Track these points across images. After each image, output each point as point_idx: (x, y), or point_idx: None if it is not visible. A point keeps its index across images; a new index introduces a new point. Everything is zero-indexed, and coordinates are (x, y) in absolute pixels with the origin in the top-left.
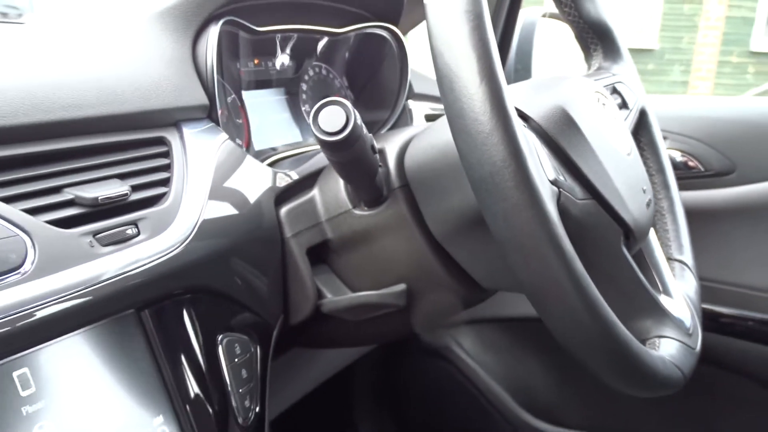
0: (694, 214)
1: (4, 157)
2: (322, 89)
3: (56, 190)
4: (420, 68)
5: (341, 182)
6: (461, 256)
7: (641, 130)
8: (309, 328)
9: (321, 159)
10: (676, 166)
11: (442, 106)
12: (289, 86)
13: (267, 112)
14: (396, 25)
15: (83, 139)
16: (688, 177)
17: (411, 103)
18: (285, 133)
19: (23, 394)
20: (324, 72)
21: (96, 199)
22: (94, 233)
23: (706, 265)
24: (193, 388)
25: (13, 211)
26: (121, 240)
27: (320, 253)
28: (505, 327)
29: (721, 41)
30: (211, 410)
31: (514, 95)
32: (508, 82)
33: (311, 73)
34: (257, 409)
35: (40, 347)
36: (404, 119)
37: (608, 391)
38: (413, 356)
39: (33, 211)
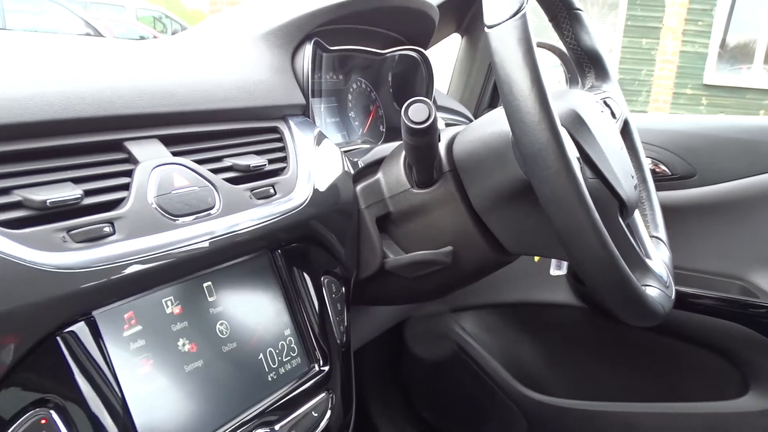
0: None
1: (192, 132)
2: (362, 100)
3: (219, 159)
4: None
5: (402, 167)
6: (495, 227)
7: (625, 135)
8: (372, 284)
9: (378, 151)
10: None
11: (457, 117)
12: (338, 96)
13: (323, 116)
14: (425, 48)
15: (227, 124)
16: (657, 180)
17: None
18: (335, 134)
19: (210, 299)
20: (363, 86)
21: (248, 166)
22: (251, 190)
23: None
24: (308, 310)
25: (204, 170)
26: (267, 196)
27: (380, 226)
28: (501, 311)
29: (677, 74)
30: (319, 327)
31: None
32: None
33: (354, 86)
34: (347, 332)
35: (219, 267)
36: None
37: (587, 366)
38: (421, 338)
39: (213, 172)
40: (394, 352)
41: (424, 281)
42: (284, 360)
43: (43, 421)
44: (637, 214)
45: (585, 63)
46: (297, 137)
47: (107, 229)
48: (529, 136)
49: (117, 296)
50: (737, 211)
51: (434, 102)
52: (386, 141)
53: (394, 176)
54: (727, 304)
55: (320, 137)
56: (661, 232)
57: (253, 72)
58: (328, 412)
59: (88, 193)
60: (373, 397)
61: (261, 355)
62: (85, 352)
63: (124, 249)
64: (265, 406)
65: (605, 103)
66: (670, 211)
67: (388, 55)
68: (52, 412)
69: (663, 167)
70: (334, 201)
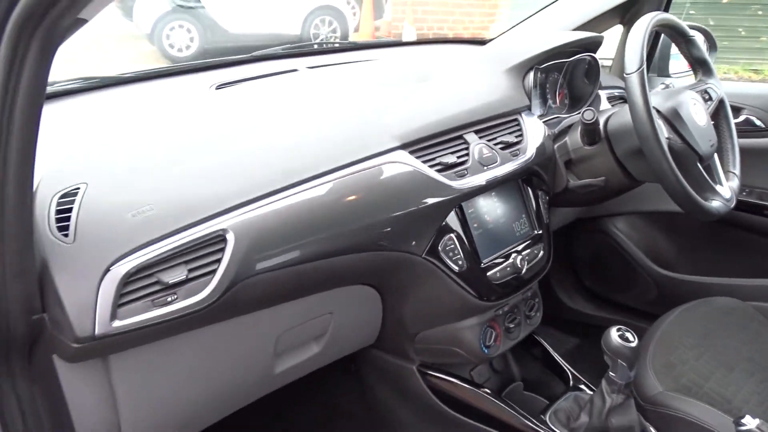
0: (756, 153)
1: (483, 127)
2: (554, 86)
3: (495, 138)
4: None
5: (578, 135)
6: (629, 166)
7: (720, 111)
8: (560, 196)
9: (564, 123)
10: (751, 123)
11: (616, 90)
12: (542, 85)
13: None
14: (594, 53)
15: (495, 120)
16: (753, 131)
17: (600, 92)
18: (540, 108)
19: (494, 200)
20: (556, 76)
21: (508, 141)
22: (510, 153)
23: (757, 179)
24: (532, 206)
25: (491, 144)
26: (516, 155)
27: (566, 166)
28: (643, 216)
29: None
30: (537, 214)
31: (655, 101)
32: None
33: (552, 78)
34: (549, 217)
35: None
36: (597, 100)
37: (702, 252)
38: (586, 234)
39: (494, 145)
40: (567, 242)
41: (587, 195)
42: (522, 227)
43: (449, 240)
44: (717, 158)
45: (696, 66)
46: (526, 123)
47: (464, 172)
48: (642, 128)
49: (467, 198)
50: None
51: (600, 84)
52: (569, 110)
53: (574, 139)
54: None
55: (537, 122)
56: (736, 168)
57: (503, 93)
58: (542, 251)
59: (458, 157)
60: (553, 272)
61: (513, 224)
62: (458, 214)
63: (472, 181)
64: (517, 244)
65: (706, 91)
66: (761, 153)
67: (573, 60)
68: (451, 235)
69: (758, 121)
70: (544, 154)
